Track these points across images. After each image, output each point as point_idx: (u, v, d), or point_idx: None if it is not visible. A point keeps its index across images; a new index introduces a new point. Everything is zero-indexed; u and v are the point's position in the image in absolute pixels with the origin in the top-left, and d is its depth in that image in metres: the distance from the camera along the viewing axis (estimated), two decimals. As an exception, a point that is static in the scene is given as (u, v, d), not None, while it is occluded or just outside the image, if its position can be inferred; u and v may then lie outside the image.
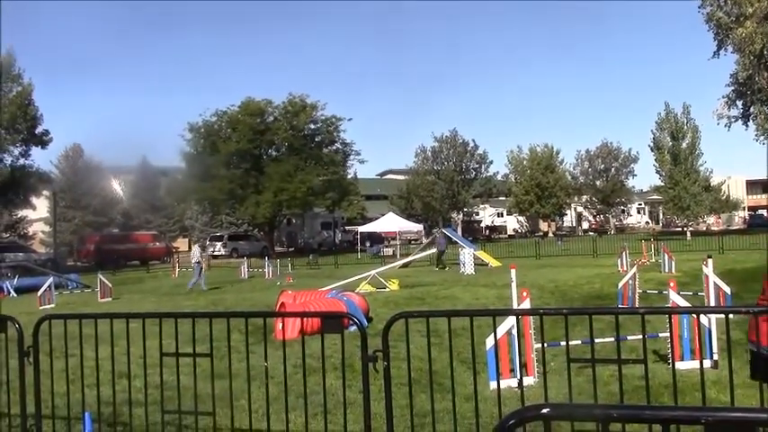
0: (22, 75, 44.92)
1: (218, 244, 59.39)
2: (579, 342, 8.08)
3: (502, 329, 7.62)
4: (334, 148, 61.00)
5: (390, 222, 56.89)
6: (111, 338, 5.67)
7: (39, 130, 46.28)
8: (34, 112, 45.57)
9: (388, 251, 51.12)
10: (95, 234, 58.27)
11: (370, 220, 68.07)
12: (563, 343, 7.67)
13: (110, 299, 22.91)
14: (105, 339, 6.01)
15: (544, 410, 1.88)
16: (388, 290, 21.26)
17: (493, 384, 7.21)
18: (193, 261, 26.30)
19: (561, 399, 6.10)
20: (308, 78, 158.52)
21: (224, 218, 71.46)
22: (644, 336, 4.43)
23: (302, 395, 5.50)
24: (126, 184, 79.31)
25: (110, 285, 23.78)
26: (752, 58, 44.97)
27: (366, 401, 4.86)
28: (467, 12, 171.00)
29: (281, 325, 10.81)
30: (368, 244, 57.72)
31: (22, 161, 46.85)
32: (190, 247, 74.05)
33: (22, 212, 62.24)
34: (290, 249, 64.36)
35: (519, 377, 5.66)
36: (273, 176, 54.41)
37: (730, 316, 10.14)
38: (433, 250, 34.10)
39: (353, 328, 5.08)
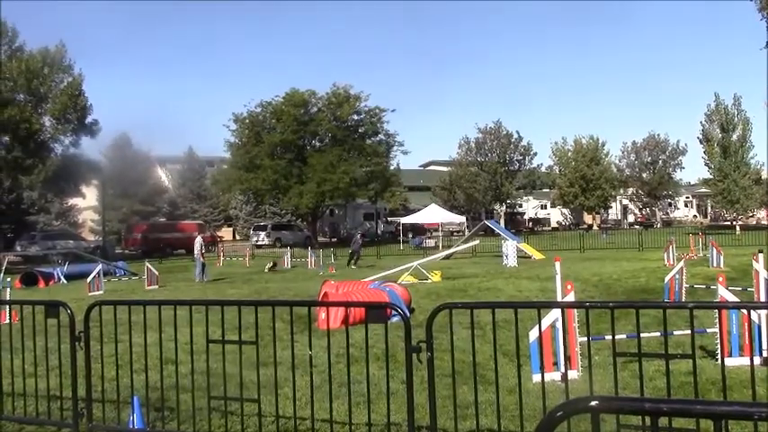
0: (72, 66, 45.78)
1: (262, 234, 59.89)
2: (624, 336, 7.99)
3: (545, 322, 7.57)
4: (377, 139, 61.11)
5: (433, 214, 56.80)
6: (159, 325, 5.78)
7: (88, 120, 47.13)
8: (84, 102, 46.40)
9: (431, 242, 51.04)
10: (142, 223, 59.24)
11: (413, 211, 68.01)
12: (608, 337, 7.62)
13: (156, 286, 23.32)
14: (153, 326, 6.14)
15: (593, 403, 1.87)
16: (430, 281, 21.24)
17: (536, 377, 7.18)
18: (196, 253, 26.14)
19: (606, 393, 6.03)
20: (352, 69, 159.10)
21: (267, 208, 72.07)
22: (692, 331, 4.35)
23: (345, 384, 5.54)
24: (172, 174, 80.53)
25: (156, 273, 24.20)
26: (808, 46, 43.73)
27: (409, 392, 4.88)
28: (513, 4, 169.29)
29: (324, 314, 10.91)
30: (410, 235, 57.70)
31: (72, 150, 47.81)
32: (234, 237, 75.36)
33: (72, 201, 63.56)
34: (333, 240, 64.66)
35: (564, 370, 5.59)
36: (316, 167, 54.75)
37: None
38: (477, 242, 33.98)
39: (396, 318, 5.11)
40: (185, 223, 60.33)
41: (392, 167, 65.66)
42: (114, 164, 63.91)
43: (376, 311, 5.27)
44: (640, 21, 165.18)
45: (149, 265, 24.15)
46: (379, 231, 68.76)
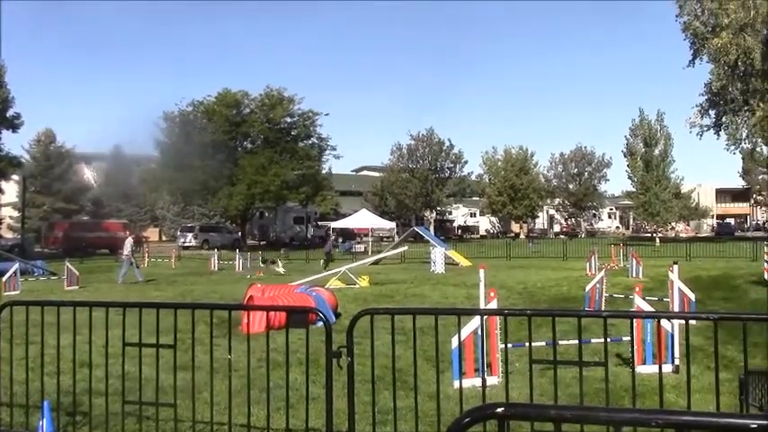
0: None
1: (189, 235, 58.94)
2: (543, 343, 8.15)
3: (468, 329, 7.66)
4: (310, 142, 61.03)
5: (363, 219, 56.85)
6: (74, 327, 5.60)
7: (10, 113, 45.48)
8: (6, 94, 44.80)
9: (360, 248, 51.11)
10: (64, 221, 57.47)
11: (344, 215, 67.98)
12: (526, 344, 7.75)
13: (76, 287, 22.61)
14: (68, 327, 5.94)
15: (499, 410, 1.89)
16: (357, 286, 21.25)
17: (457, 383, 7.25)
18: (125, 254, 25.49)
19: (523, 399, 6.14)
20: (287, 72, 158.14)
21: (196, 209, 70.97)
22: (605, 339, 4.47)
23: (266, 389, 5.47)
24: (98, 172, 78.39)
25: (77, 273, 23.47)
26: (726, 68, 45.66)
27: (329, 397, 4.85)
28: (446, 12, 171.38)
29: (247, 318, 10.79)
30: (340, 240, 57.63)
31: (-9, 144, 46.09)
32: (160, 238, 73.73)
33: (-11, 196, 61.26)
34: (262, 243, 64.07)
35: (483, 376, 5.67)
36: (248, 169, 54.24)
37: (692, 322, 10.33)
38: (405, 248, 34.21)
39: (321, 323, 5.07)
40: (110, 222, 58.81)
41: (324, 171, 65.57)
42: (37, 159, 61.83)
43: (298, 316, 5.23)
44: (571, 37, 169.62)
45: (69, 265, 23.39)
46: (308, 235, 68.47)
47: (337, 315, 13.37)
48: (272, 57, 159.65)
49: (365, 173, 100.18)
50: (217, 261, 33.84)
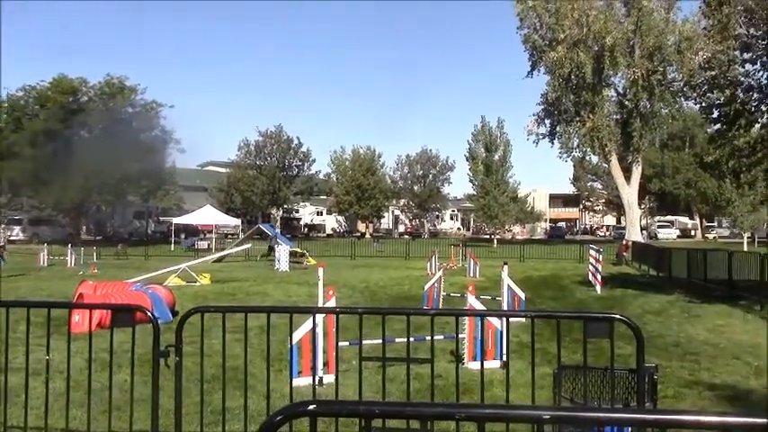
0: None
1: (17, 228, 55.27)
2: (379, 341, 8.29)
3: (305, 328, 7.67)
4: (153, 134, 58.74)
5: (207, 215, 55.41)
6: None
7: None
8: None
9: (203, 244, 49.89)
10: None
11: (187, 211, 66.06)
12: (365, 342, 7.86)
13: None
14: None
15: (310, 407, 1.90)
16: (198, 284, 20.74)
17: (294, 382, 7.23)
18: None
19: (357, 396, 6.22)
20: (130, 61, 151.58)
21: (25, 200, 66.47)
22: (432, 336, 4.64)
23: (93, 391, 5.20)
24: None
25: None
26: (561, 80, 48.56)
27: (155, 398, 4.70)
28: (293, 6, 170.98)
29: (77, 317, 10.22)
30: (182, 236, 55.91)
31: None
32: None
33: None
34: (98, 238, 61.09)
35: (314, 375, 5.72)
36: (85, 160, 51.36)
37: (522, 319, 10.88)
38: (249, 245, 33.83)
39: (159, 321, 4.90)
40: None
41: (168, 165, 63.36)
42: None
43: (123, 314, 5.03)
44: (418, 42, 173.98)
45: None
46: (149, 231, 66.03)
47: (175, 314, 12.97)
48: (114, 45, 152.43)
49: (211, 168, 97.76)
50: (47, 256, 31.92)
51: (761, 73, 17.06)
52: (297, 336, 7.69)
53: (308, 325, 7.59)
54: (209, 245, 49.62)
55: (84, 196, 53.32)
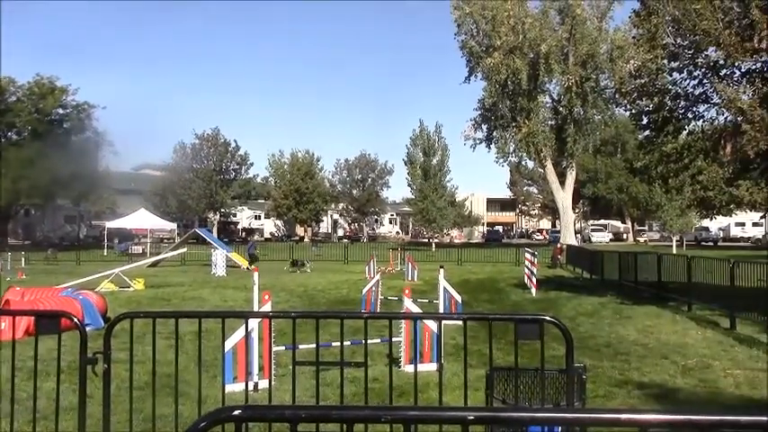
0: None
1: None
2: (314, 346, 8.25)
3: (240, 333, 7.59)
4: (85, 136, 57.29)
5: (142, 219, 54.24)
6: None
7: None
8: None
9: (138, 249, 48.87)
10: None
11: (121, 215, 64.59)
12: (302, 346, 7.82)
13: None
14: None
15: (236, 412, 1.88)
16: (132, 289, 20.32)
17: (229, 387, 7.15)
18: None
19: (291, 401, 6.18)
20: (59, 60, 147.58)
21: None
22: (366, 340, 4.66)
23: (17, 401, 5.03)
24: None
25: None
26: (497, 86, 49.36)
27: (82, 406, 4.58)
28: (236, 11, 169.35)
29: (3, 324, 9.90)
30: (116, 241, 54.61)
31: None
32: None
33: None
34: (27, 242, 59.18)
35: (246, 380, 5.66)
36: (12, 162, 49.74)
37: (458, 322, 10.98)
38: (185, 249, 33.31)
39: (90, 327, 4.77)
40: None
41: (100, 168, 61.82)
42: None
43: (47, 321, 4.88)
44: (358, 46, 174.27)
45: None
46: (80, 235, 64.36)
47: (107, 320, 12.66)
48: (41, 43, 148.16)
49: (146, 171, 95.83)
50: (-30, 262, 30.80)
51: (687, 81, 17.62)
52: (231, 341, 7.62)
53: (242, 330, 7.52)
54: (143, 249, 48.63)
55: (11, 199, 51.58)
